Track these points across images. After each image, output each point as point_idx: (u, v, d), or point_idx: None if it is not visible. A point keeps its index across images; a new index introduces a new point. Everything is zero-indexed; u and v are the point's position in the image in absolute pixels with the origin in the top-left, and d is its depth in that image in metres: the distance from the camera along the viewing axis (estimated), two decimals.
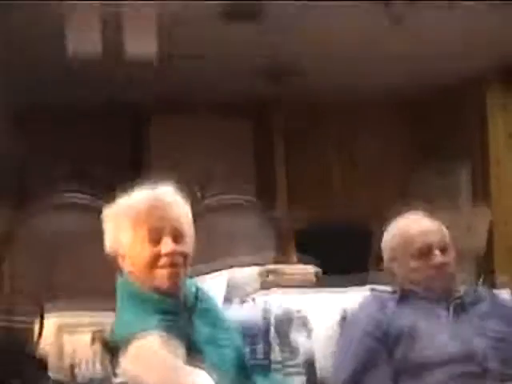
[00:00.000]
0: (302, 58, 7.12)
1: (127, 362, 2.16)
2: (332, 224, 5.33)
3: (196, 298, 2.46)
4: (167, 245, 2.37)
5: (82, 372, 1.79)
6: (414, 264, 2.82)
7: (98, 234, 2.48)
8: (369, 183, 8.74)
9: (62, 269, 4.21)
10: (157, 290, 2.35)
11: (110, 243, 2.44)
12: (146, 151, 7.74)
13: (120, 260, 2.43)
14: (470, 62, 7.39)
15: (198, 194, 4.94)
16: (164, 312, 2.29)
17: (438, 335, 2.61)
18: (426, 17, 5.87)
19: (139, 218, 2.38)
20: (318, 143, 8.65)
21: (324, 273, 3.22)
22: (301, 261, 4.70)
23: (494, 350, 2.57)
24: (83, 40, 4.93)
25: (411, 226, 2.89)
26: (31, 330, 2.26)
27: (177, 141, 7.87)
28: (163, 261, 2.36)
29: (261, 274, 3.03)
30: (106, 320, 2.44)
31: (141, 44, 5.17)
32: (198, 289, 2.52)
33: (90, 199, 3.99)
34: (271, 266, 3.15)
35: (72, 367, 1.84)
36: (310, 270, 3.11)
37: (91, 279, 4.07)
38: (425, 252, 2.81)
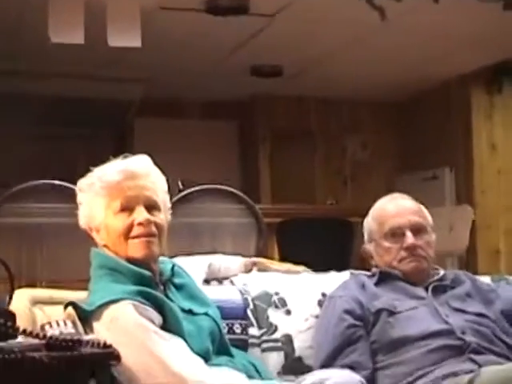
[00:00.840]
0: (288, 58, 7.12)
1: (102, 328, 2.13)
2: (314, 218, 5.30)
3: (172, 273, 2.43)
4: (140, 214, 2.34)
5: (53, 329, 1.75)
6: (386, 244, 2.81)
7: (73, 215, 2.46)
8: (353, 185, 8.77)
9: (38, 251, 4.18)
10: (131, 260, 2.32)
11: (83, 216, 2.42)
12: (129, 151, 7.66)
13: (94, 233, 2.40)
14: (455, 66, 7.42)
15: (180, 185, 4.92)
16: (139, 283, 2.26)
17: (416, 313, 2.61)
18: (411, 15, 5.86)
19: (112, 188, 2.36)
20: (303, 143, 8.64)
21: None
22: (282, 252, 4.70)
23: (472, 325, 2.56)
24: (66, 29, 4.88)
25: (387, 206, 2.89)
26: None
27: (160, 142, 7.81)
28: (137, 230, 2.33)
29: (245, 265, 2.99)
30: (79, 296, 2.39)
31: (124, 36, 5.12)
32: (174, 265, 2.49)
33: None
34: (257, 259, 3.10)
35: (43, 326, 1.80)
36: (299, 269, 3.06)
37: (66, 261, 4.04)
38: (397, 233, 2.80)
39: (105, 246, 2.37)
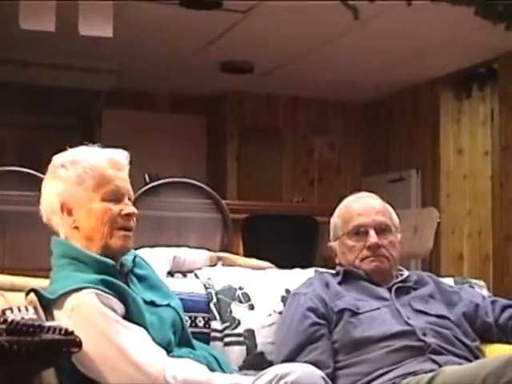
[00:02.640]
0: (259, 55, 7.11)
1: (63, 316, 2.11)
2: (280, 215, 5.29)
3: (133, 264, 2.42)
4: (129, 206, 2.35)
5: (14, 315, 1.73)
6: (350, 243, 2.82)
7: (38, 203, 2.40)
8: (319, 185, 8.79)
9: (1, 239, 4.14)
10: (107, 248, 2.31)
11: (57, 193, 2.33)
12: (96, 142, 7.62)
13: (65, 213, 2.33)
14: (425, 69, 7.46)
15: (147, 179, 4.90)
16: (102, 272, 2.24)
17: (379, 314, 2.61)
18: (383, 17, 5.88)
19: (100, 174, 2.33)
20: (271, 141, 8.65)
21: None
22: (247, 248, 4.70)
23: (433, 327, 2.57)
24: (37, 16, 4.83)
25: (353, 204, 2.89)
26: None
27: (128, 134, 7.76)
28: (122, 222, 2.33)
29: (211, 259, 2.98)
30: (41, 284, 2.37)
31: (96, 26, 5.08)
32: (135, 256, 2.48)
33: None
34: (222, 254, 3.09)
35: (4, 311, 1.78)
36: (264, 265, 3.05)
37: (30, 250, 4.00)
38: (361, 231, 2.80)
39: (75, 228, 2.32)
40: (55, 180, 2.35)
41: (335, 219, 2.91)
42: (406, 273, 2.86)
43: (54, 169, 2.36)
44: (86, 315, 2.10)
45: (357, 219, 2.81)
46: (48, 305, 2.14)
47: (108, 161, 2.35)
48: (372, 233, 2.77)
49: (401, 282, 2.78)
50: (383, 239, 2.78)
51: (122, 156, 2.41)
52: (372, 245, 2.76)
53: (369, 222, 2.80)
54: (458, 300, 2.80)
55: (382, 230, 2.80)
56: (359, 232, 2.79)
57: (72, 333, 1.75)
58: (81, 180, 2.32)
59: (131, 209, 2.34)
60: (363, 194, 2.95)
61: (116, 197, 2.33)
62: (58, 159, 2.37)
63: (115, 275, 2.26)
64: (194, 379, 2.06)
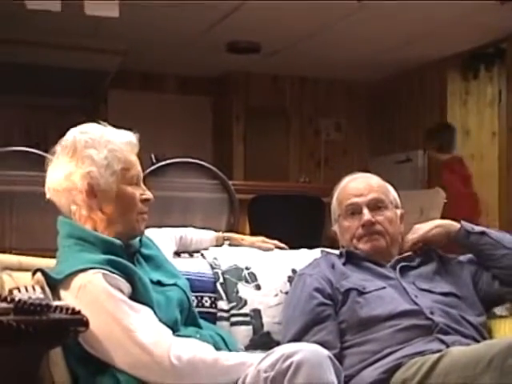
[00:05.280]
0: (266, 35, 7.09)
1: (70, 296, 2.11)
2: (286, 195, 5.29)
3: (140, 244, 2.43)
4: (146, 191, 2.38)
5: (22, 294, 1.73)
6: (346, 223, 2.82)
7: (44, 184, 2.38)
8: (326, 167, 8.79)
9: (8, 219, 4.14)
10: (130, 233, 2.35)
11: (83, 174, 2.28)
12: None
13: (88, 194, 2.29)
14: (432, 50, 7.43)
15: (153, 159, 4.89)
16: (108, 252, 2.24)
17: (385, 293, 2.61)
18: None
19: (125, 157, 2.34)
20: (278, 121, 8.64)
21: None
22: (253, 228, 4.69)
23: (440, 306, 2.57)
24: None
25: (347, 185, 2.89)
26: None
27: (134, 115, 7.75)
28: (143, 206, 2.36)
29: (217, 239, 2.98)
30: (49, 263, 2.37)
31: (102, 6, 5.06)
32: (142, 236, 2.48)
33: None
34: (229, 234, 3.09)
35: (11, 290, 1.78)
36: (269, 247, 3.04)
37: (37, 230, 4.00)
38: (355, 211, 2.80)
39: (99, 210, 2.31)
40: (81, 160, 2.30)
41: (333, 202, 2.91)
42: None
43: (76, 147, 2.31)
44: (93, 295, 2.10)
45: (351, 199, 2.81)
46: (55, 285, 2.15)
47: (128, 144, 2.36)
48: (365, 211, 2.77)
49: (404, 260, 2.78)
50: (378, 215, 2.77)
51: (135, 138, 2.41)
52: (365, 222, 2.76)
53: (362, 200, 2.79)
54: (460, 269, 2.80)
55: (376, 206, 2.79)
56: (354, 211, 2.79)
57: (79, 312, 1.75)
58: (109, 163, 2.30)
59: (150, 194, 2.37)
60: (359, 174, 2.94)
61: (137, 181, 2.36)
62: (79, 138, 2.32)
63: (122, 255, 2.26)
64: (200, 359, 2.06)
